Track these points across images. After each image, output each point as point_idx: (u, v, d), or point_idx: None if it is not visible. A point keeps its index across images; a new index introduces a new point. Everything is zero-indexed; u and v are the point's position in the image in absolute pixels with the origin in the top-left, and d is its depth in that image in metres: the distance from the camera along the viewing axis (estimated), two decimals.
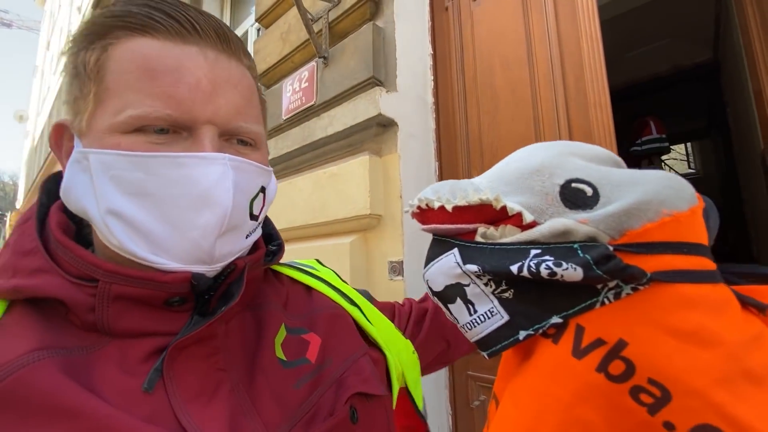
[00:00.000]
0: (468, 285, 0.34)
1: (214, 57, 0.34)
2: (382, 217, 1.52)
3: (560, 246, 0.29)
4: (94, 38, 0.33)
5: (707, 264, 0.29)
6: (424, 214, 0.37)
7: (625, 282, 0.28)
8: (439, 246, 0.37)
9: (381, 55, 1.61)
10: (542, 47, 1.37)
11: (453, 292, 0.35)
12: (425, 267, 0.37)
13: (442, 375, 1.49)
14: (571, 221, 0.29)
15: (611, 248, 0.28)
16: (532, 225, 0.31)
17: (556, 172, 0.32)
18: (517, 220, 0.32)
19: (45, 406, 0.27)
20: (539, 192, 0.32)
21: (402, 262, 1.45)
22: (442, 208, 0.35)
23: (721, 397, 0.24)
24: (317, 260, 0.57)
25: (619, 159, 0.36)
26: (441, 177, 1.62)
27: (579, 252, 0.28)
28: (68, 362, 0.30)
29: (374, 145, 1.58)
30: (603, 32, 1.27)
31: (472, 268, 0.33)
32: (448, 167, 1.61)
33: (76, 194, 0.33)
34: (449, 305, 0.36)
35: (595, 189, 0.31)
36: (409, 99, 1.59)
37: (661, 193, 0.29)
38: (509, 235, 0.32)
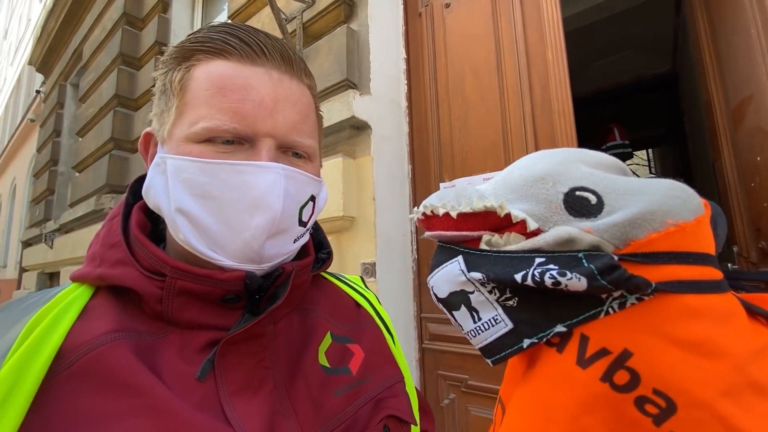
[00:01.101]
0: (472, 292, 0.33)
1: (277, 77, 0.39)
2: (355, 219, 1.53)
3: (565, 255, 0.29)
4: (180, 60, 0.38)
5: (713, 273, 0.29)
6: (429, 221, 0.37)
7: (630, 292, 0.27)
8: (443, 253, 0.36)
9: (355, 57, 1.62)
10: (510, 56, 1.42)
11: (457, 300, 0.35)
12: (430, 273, 0.37)
13: (413, 374, 1.52)
14: (576, 230, 0.29)
15: (616, 258, 0.27)
16: (536, 233, 0.31)
17: (560, 180, 0.32)
18: (521, 227, 0.32)
19: (115, 381, 0.30)
20: (543, 200, 0.32)
21: (374, 263, 1.46)
22: (446, 214, 0.35)
23: (726, 408, 0.24)
24: (362, 278, 0.60)
25: (625, 166, 0.36)
26: (414, 180, 1.65)
27: (584, 261, 0.28)
28: (138, 345, 0.33)
29: (348, 147, 1.58)
30: (571, 42, 1.33)
31: (477, 275, 0.32)
32: (421, 170, 1.64)
33: (154, 193, 0.38)
34: (454, 312, 0.35)
35: (599, 197, 0.31)
36: (383, 102, 1.60)
37: (667, 203, 0.28)
38: (514, 242, 0.32)
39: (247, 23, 2.09)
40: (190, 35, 0.39)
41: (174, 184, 0.36)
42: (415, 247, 1.60)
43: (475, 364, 1.39)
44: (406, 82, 1.69)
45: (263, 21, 1.96)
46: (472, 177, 1.45)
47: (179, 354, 0.35)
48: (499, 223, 0.33)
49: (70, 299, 0.34)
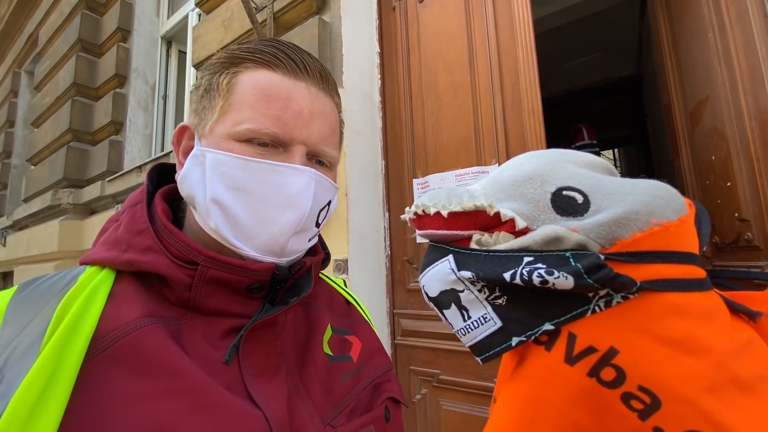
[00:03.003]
0: (462, 291, 0.34)
1: (315, 93, 0.42)
2: None
3: (552, 254, 0.29)
4: (228, 65, 0.42)
5: (697, 272, 0.30)
6: (421, 220, 0.38)
7: (616, 291, 0.28)
8: (434, 252, 0.37)
9: (327, 50, 1.58)
10: (482, 54, 1.43)
11: (448, 298, 0.35)
12: (421, 272, 0.38)
13: None
14: (563, 229, 0.30)
15: (602, 257, 0.28)
16: (524, 231, 0.31)
17: (548, 180, 0.33)
18: (510, 226, 0.32)
19: (153, 363, 0.32)
20: (531, 199, 0.32)
21: (347, 260, 1.44)
22: (438, 214, 0.35)
23: (709, 404, 0.25)
24: (344, 281, 0.64)
25: (612, 167, 0.37)
26: (387, 175, 1.64)
27: (571, 260, 0.28)
28: (168, 329, 0.35)
29: None
30: (542, 43, 1.35)
31: (467, 274, 0.33)
32: (394, 166, 1.63)
33: (190, 182, 0.41)
34: (444, 311, 0.36)
35: (585, 197, 0.31)
36: (356, 96, 1.58)
37: (651, 204, 0.29)
38: (503, 241, 0.32)
39: (216, 10, 2.01)
40: (240, 45, 0.43)
41: (212, 175, 0.39)
42: (388, 243, 1.59)
43: (447, 359, 1.40)
44: (379, 76, 1.68)
45: (232, 9, 1.90)
46: (444, 173, 1.46)
47: (204, 338, 0.37)
48: (489, 222, 0.33)
49: (95, 284, 0.35)
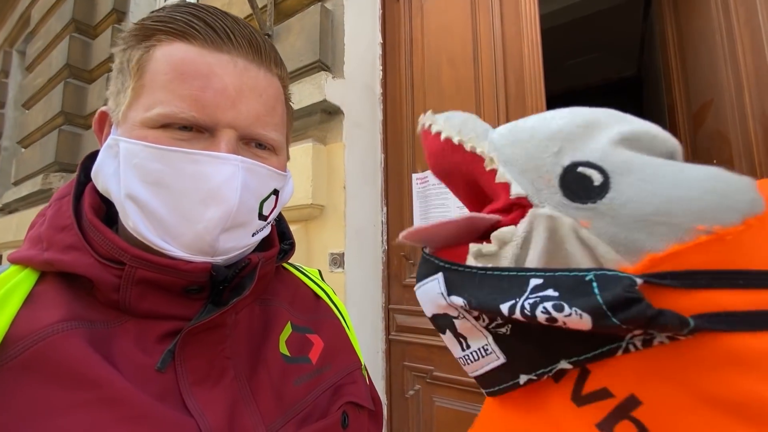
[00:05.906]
0: (457, 317, 0.27)
1: (243, 66, 0.37)
2: (324, 208, 1.48)
3: (569, 275, 0.21)
4: (140, 39, 0.36)
5: None
6: (425, 137, 0.30)
7: (658, 331, 0.20)
8: (425, 266, 0.30)
9: (329, 39, 1.55)
10: (487, 48, 1.41)
11: (442, 323, 0.28)
12: (416, 284, 0.31)
13: (379, 365, 1.50)
14: (568, 220, 0.22)
15: (637, 281, 0.19)
16: (521, 201, 0.25)
17: (566, 147, 0.24)
18: (504, 192, 0.25)
19: (69, 372, 0.29)
20: (540, 166, 0.25)
21: (343, 254, 1.42)
22: (438, 134, 0.28)
23: None
24: (319, 271, 0.60)
25: (677, 149, 0.26)
26: (386, 168, 1.62)
27: (594, 287, 0.20)
28: (92, 334, 0.32)
29: (319, 133, 1.52)
30: (545, 40, 1.33)
31: (458, 301, 0.26)
32: (394, 160, 1.61)
33: (104, 176, 0.36)
34: (441, 335, 0.30)
35: (607, 178, 0.22)
36: (356, 87, 1.55)
37: (698, 201, 0.20)
38: (500, 239, 0.25)
39: None
40: (152, 12, 0.37)
41: (125, 168, 0.34)
42: (385, 237, 1.57)
43: (441, 355, 1.39)
44: (381, 67, 1.65)
45: None
46: None
47: (137, 344, 0.34)
48: (487, 229, 0.26)
49: (12, 284, 0.32)
